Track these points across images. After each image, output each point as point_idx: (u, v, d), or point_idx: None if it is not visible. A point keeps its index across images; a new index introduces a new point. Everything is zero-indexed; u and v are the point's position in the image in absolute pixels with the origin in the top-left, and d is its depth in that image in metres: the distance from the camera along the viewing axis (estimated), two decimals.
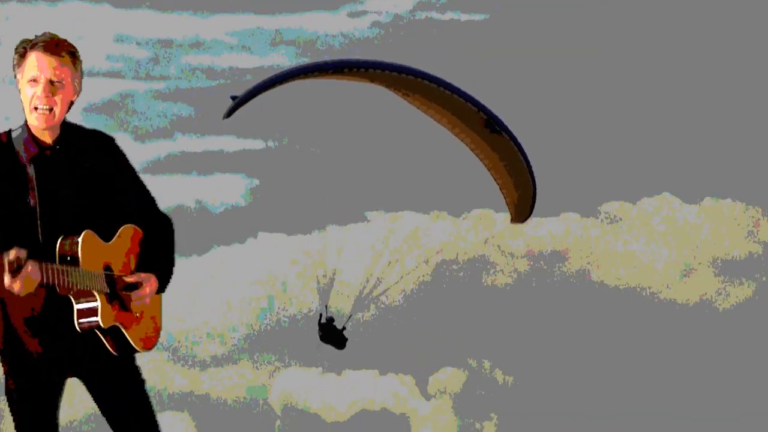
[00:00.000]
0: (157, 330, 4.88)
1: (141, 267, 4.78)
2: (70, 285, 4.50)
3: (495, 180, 7.72)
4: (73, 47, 4.70)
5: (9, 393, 4.68)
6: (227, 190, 15.50)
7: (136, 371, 4.85)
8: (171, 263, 4.92)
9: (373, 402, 14.74)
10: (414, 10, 16.54)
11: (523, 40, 16.95)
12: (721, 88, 15.78)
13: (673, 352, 14.75)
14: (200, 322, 15.35)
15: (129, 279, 4.70)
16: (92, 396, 4.80)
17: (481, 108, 7.27)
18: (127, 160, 4.89)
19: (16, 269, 4.32)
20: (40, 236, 4.59)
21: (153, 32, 14.99)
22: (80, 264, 4.54)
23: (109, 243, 4.72)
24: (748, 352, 14.55)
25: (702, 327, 15.03)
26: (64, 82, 4.62)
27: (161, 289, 4.84)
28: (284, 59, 15.94)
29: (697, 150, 15.37)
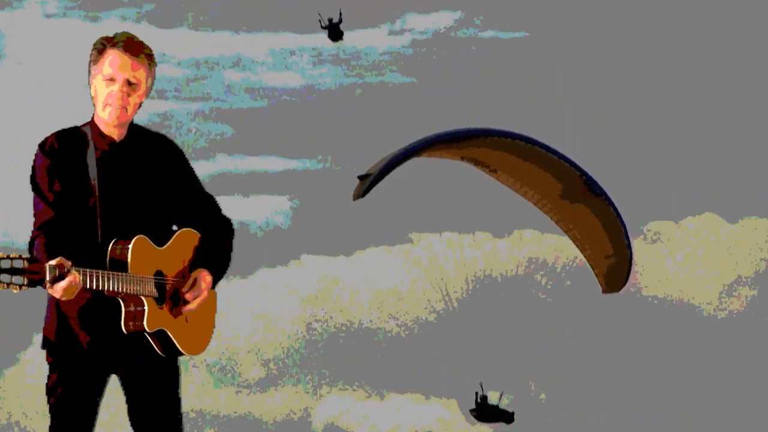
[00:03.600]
0: (207, 335, 4.88)
1: (194, 264, 4.77)
2: (117, 290, 4.51)
3: (581, 250, 7.66)
4: (150, 49, 4.71)
5: (52, 389, 4.64)
6: (270, 211, 15.47)
7: (175, 375, 4.84)
8: (225, 261, 4.88)
9: (416, 429, 14.76)
10: (454, 27, 16.48)
11: (562, 58, 16.96)
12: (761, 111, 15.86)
13: (720, 367, 14.82)
14: (243, 343, 15.37)
15: (184, 288, 4.68)
16: (125, 393, 4.77)
17: (582, 172, 7.26)
18: (189, 165, 4.89)
19: (57, 277, 4.31)
20: (99, 236, 4.62)
21: (193, 52, 14.96)
22: (129, 269, 4.54)
23: (164, 247, 4.73)
24: None
25: (746, 342, 15.11)
26: (139, 83, 4.64)
27: (215, 284, 4.81)
28: (326, 79, 15.89)
29: (738, 169, 15.43)
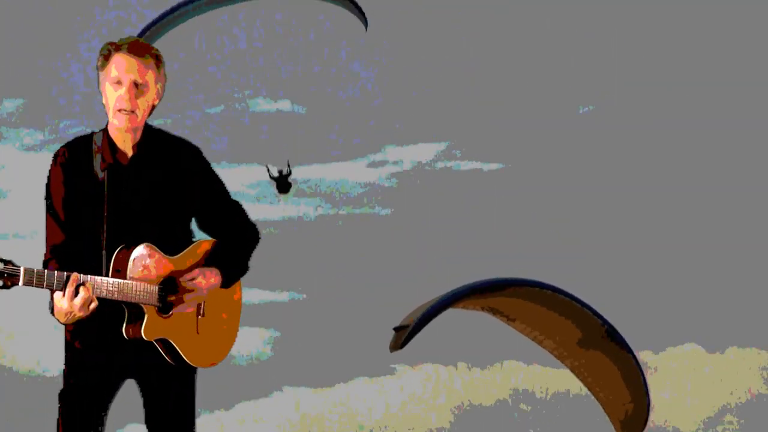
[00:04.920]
0: (221, 348, 4.77)
1: (206, 262, 4.65)
2: (118, 298, 4.45)
3: (596, 395, 7.64)
4: (158, 51, 4.68)
5: (65, 389, 4.60)
6: (251, 343, 15.43)
7: (191, 387, 4.74)
8: (240, 263, 4.74)
9: None
10: (434, 160, 16.69)
11: (541, 187, 17.21)
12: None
13: None
14: None
15: (184, 281, 4.58)
16: (143, 400, 4.70)
17: (604, 320, 7.30)
18: (212, 172, 4.78)
19: (73, 293, 4.33)
20: (103, 246, 4.55)
21: None
22: (127, 276, 4.48)
23: (176, 257, 4.63)
24: None
25: None
26: (148, 85, 4.57)
27: (226, 283, 4.68)
28: (307, 209, 15.96)
29: (720, 302, 15.59)
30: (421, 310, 7.05)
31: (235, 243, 4.79)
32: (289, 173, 11.35)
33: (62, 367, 4.68)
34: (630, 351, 7.35)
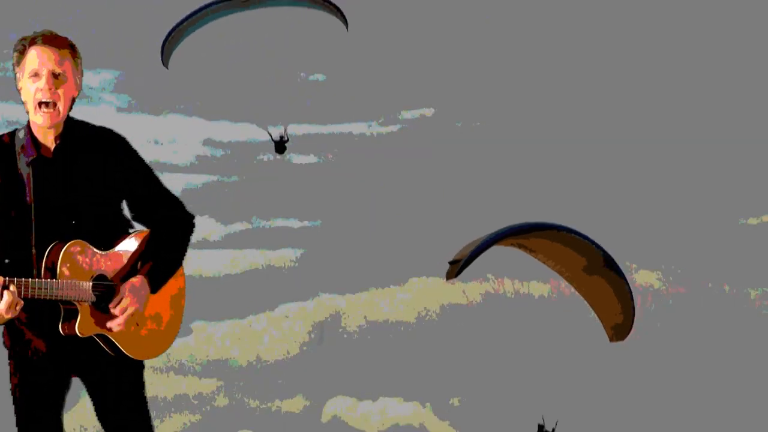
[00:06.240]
0: (164, 340, 4.68)
1: (133, 267, 4.55)
2: (46, 296, 4.35)
3: (595, 310, 9.55)
4: (73, 42, 4.52)
5: (13, 392, 4.60)
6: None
7: (137, 377, 4.71)
8: (169, 263, 4.59)
9: None
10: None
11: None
12: None
13: None
14: None
15: (112, 302, 4.49)
16: (90, 397, 4.72)
17: (602, 250, 9.17)
18: (140, 160, 4.63)
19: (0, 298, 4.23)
20: (33, 244, 4.42)
21: (231, 136, 16.49)
22: (59, 275, 4.35)
23: (108, 251, 4.52)
24: None
25: None
26: (66, 75, 4.44)
27: (153, 289, 4.58)
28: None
29: None
30: (470, 248, 8.77)
31: (164, 242, 4.60)
32: (288, 140, 12.35)
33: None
34: (622, 275, 9.29)
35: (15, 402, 4.59)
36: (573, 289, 9.85)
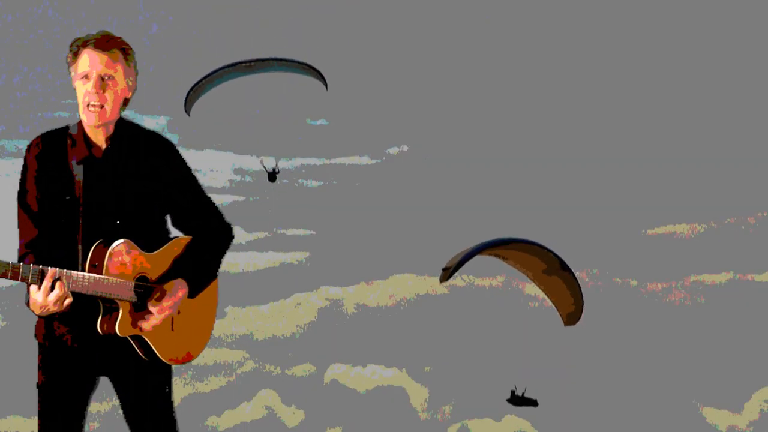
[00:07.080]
0: (196, 346, 4.58)
1: (173, 270, 4.45)
2: (94, 293, 4.25)
3: (553, 302, 11.38)
4: (126, 44, 4.44)
5: (38, 386, 4.48)
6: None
7: (166, 381, 4.59)
8: (209, 271, 4.53)
9: None
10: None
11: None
12: None
13: None
14: None
15: (150, 300, 4.39)
16: (118, 397, 4.59)
17: (557, 255, 11.00)
18: (185, 167, 4.57)
19: (50, 287, 4.15)
20: (80, 241, 4.35)
21: (254, 165, 19.27)
22: (104, 272, 4.26)
23: (153, 253, 4.43)
24: None
25: None
26: (115, 78, 4.37)
27: (192, 293, 4.48)
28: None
29: None
30: (457, 258, 10.40)
31: (205, 248, 4.53)
32: (279, 171, 13.04)
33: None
34: (572, 274, 11.16)
35: (39, 396, 4.47)
36: (519, 283, 11.57)
